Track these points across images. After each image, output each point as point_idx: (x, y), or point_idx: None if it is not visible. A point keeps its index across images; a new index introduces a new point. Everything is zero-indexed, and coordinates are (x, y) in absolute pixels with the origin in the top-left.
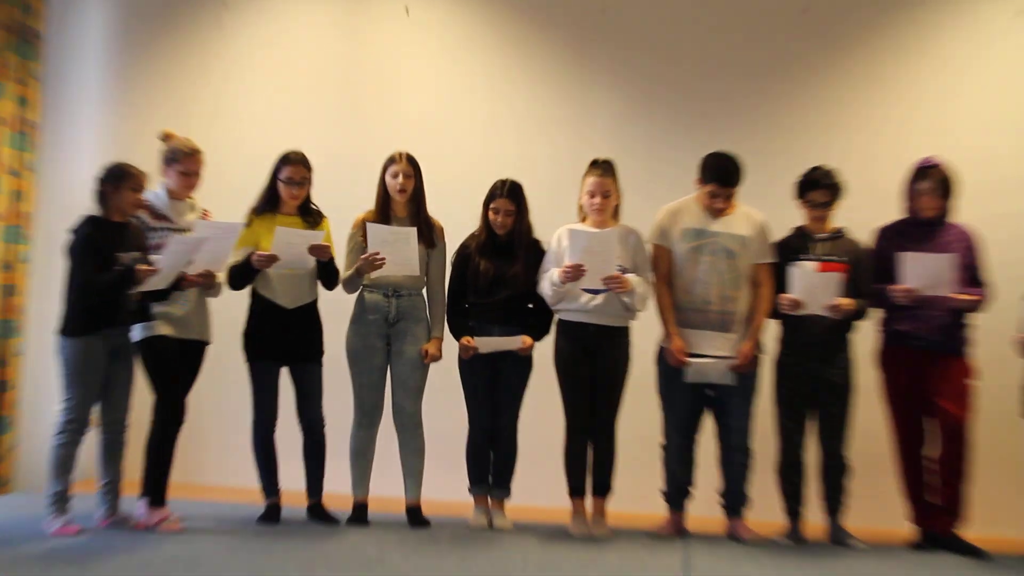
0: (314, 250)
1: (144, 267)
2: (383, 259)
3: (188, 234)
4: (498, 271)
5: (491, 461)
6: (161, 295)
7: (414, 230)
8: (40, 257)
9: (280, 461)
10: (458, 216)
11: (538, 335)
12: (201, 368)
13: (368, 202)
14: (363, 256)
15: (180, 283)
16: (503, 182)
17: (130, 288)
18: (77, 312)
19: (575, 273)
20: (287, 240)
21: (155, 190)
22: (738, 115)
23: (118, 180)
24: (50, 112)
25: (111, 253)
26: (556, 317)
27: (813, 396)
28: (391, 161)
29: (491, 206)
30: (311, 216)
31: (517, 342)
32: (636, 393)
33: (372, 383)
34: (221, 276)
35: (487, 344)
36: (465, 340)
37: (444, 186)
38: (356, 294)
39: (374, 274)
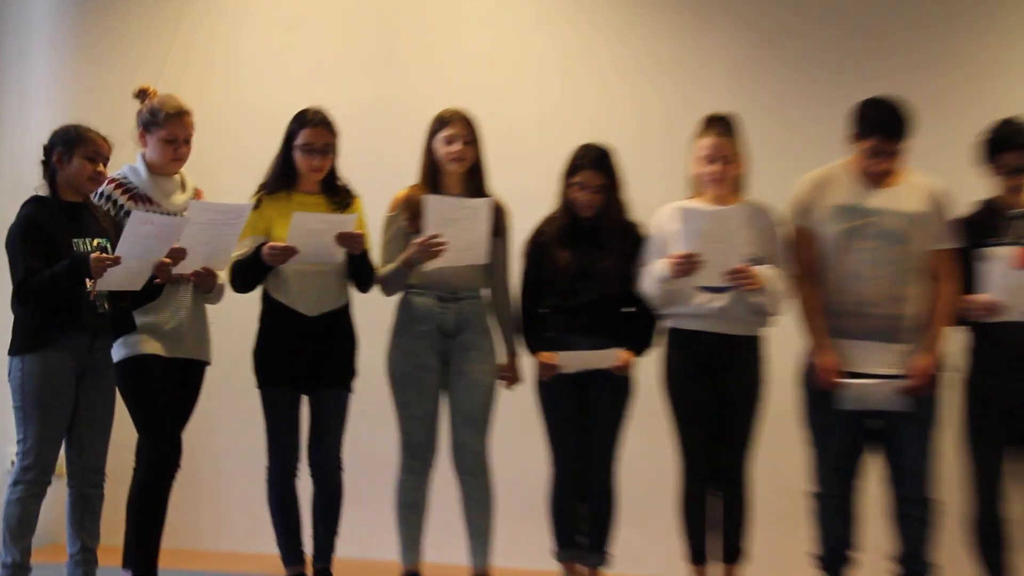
0: (343, 240)
1: (99, 256)
2: (444, 244)
3: (175, 218)
4: (584, 264)
5: (582, 516)
6: (137, 300)
7: (488, 201)
8: None
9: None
10: (525, 193)
11: (639, 348)
12: (199, 397)
13: (410, 175)
14: (418, 240)
15: (156, 282)
16: (587, 148)
17: (82, 284)
18: (26, 322)
19: (688, 265)
20: (307, 227)
21: (132, 164)
22: (898, 53)
23: (68, 147)
24: None
25: (62, 242)
26: (663, 324)
27: (1017, 430)
28: (441, 122)
29: (573, 180)
30: (338, 195)
31: (612, 358)
32: (773, 425)
33: (424, 414)
34: (223, 275)
35: (572, 361)
36: (544, 356)
37: (507, 154)
38: (399, 297)
39: (430, 266)
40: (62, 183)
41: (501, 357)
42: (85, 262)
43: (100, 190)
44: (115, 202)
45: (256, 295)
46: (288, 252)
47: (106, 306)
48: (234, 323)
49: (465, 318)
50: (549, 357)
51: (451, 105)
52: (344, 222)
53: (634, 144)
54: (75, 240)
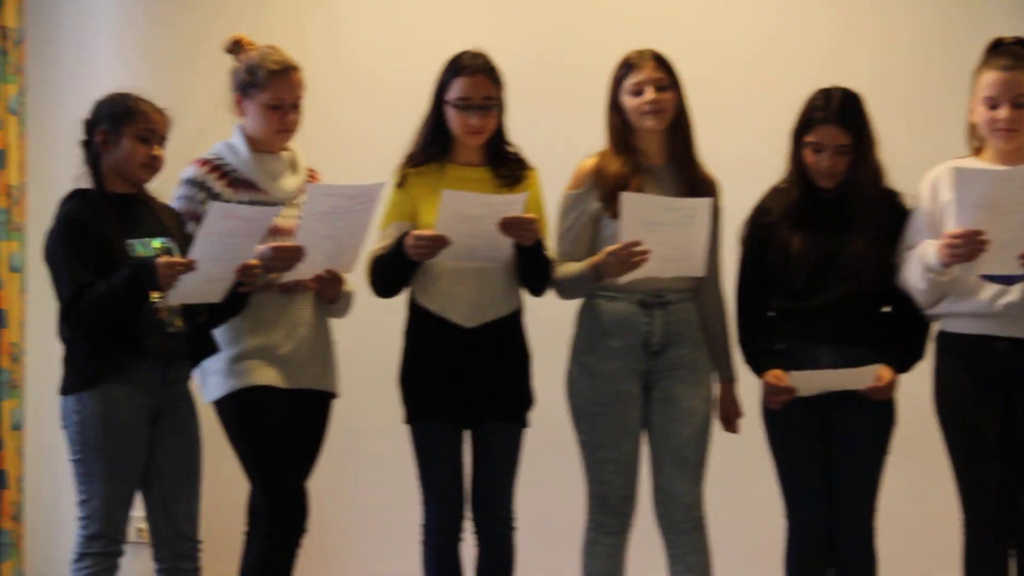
0: (509, 226)
1: (168, 261)
2: (646, 253)
3: (263, 208)
4: (826, 252)
5: None
6: (218, 315)
7: (707, 202)
8: (41, 260)
9: None
10: (737, 159)
11: (903, 362)
12: (325, 437)
13: (590, 142)
14: (612, 249)
15: (241, 291)
16: (827, 95)
17: (146, 298)
18: (80, 351)
19: (969, 247)
20: (460, 210)
21: (228, 140)
22: None
23: (115, 123)
24: (40, 12)
25: (113, 245)
26: (934, 328)
27: None
28: (627, 67)
29: (807, 139)
30: (506, 166)
31: (868, 377)
32: None
33: (622, 457)
34: (351, 280)
35: (812, 382)
36: (773, 376)
37: (710, 107)
38: (581, 301)
39: (627, 278)
40: (108, 171)
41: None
42: (149, 270)
43: (189, 175)
44: (209, 189)
45: (399, 302)
46: (437, 243)
47: (177, 324)
48: (367, 341)
49: (675, 328)
50: (779, 377)
51: (639, 46)
52: (510, 204)
53: (882, 85)
54: (129, 242)
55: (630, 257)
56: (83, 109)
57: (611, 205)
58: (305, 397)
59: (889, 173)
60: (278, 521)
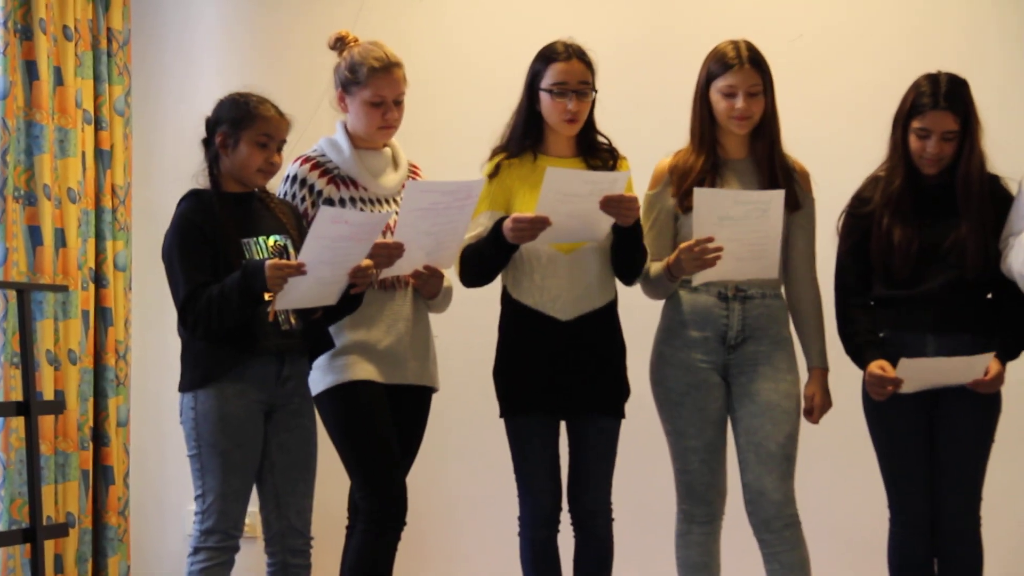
0: (610, 205)
1: (277, 264)
2: (720, 250)
3: (376, 215)
4: (928, 239)
5: (935, 573)
6: (333, 312)
7: (779, 193)
8: (147, 260)
9: None
10: (834, 147)
11: (1009, 351)
12: (424, 431)
13: (679, 137)
14: (685, 245)
15: (354, 292)
16: (934, 80)
17: (259, 301)
18: (195, 349)
19: None
20: (564, 189)
21: (331, 136)
22: None
23: (235, 126)
24: (145, 14)
25: (229, 245)
26: None
27: None
28: (722, 62)
29: (914, 125)
30: (598, 156)
31: (979, 366)
32: None
33: (706, 447)
34: (449, 276)
35: (922, 371)
36: (878, 367)
37: (802, 92)
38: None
39: (702, 278)
40: (225, 173)
41: (802, 375)
42: (260, 273)
43: (292, 172)
44: (311, 187)
45: (492, 293)
46: (537, 225)
47: (293, 322)
48: (462, 334)
49: (755, 322)
50: (885, 368)
51: (731, 36)
52: (613, 181)
53: (974, 69)
54: (244, 241)
55: (703, 254)
56: (187, 110)
57: (685, 201)
58: (405, 392)
59: (991, 158)
60: (377, 515)
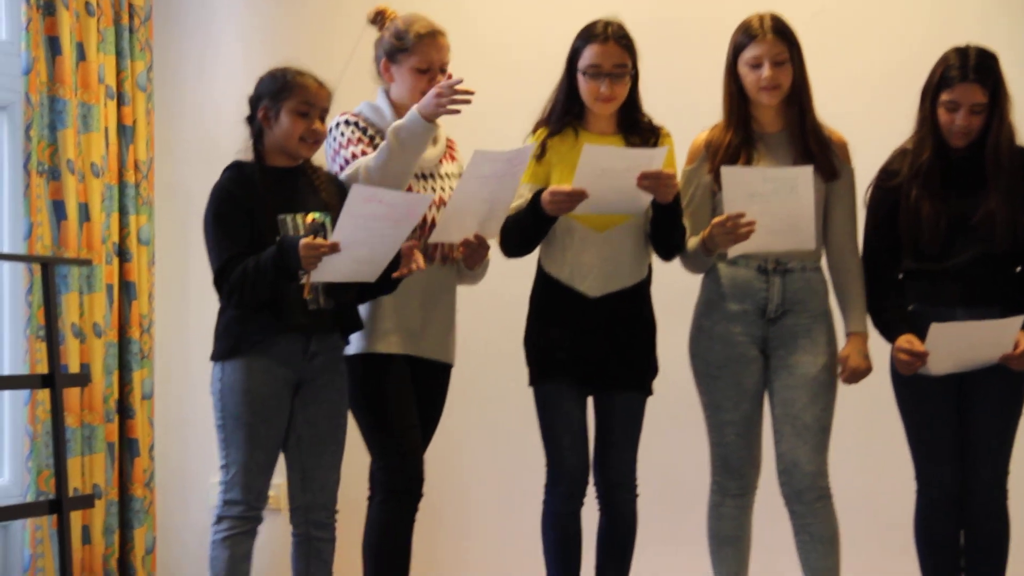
0: (648, 181)
1: (311, 243)
2: (752, 224)
3: (414, 195)
4: (957, 212)
5: (962, 546)
6: (364, 293)
7: (807, 170)
8: (169, 235)
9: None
10: (862, 118)
11: None
12: (443, 408)
13: (711, 113)
14: (718, 220)
15: (397, 275)
16: (964, 53)
17: (293, 277)
18: (223, 323)
19: None
20: (602, 164)
21: (371, 101)
22: None
23: (275, 98)
24: None
25: (266, 219)
26: None
27: None
28: (749, 36)
29: (943, 98)
30: (640, 134)
31: (1008, 332)
32: None
33: (742, 419)
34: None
35: (948, 342)
36: (906, 341)
37: (833, 66)
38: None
39: (736, 250)
40: (270, 146)
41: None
42: (294, 250)
43: (336, 121)
44: (364, 130)
45: (526, 266)
46: (576, 197)
47: (321, 302)
48: (490, 309)
49: (794, 296)
50: (912, 342)
51: (758, 11)
52: (650, 157)
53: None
54: (280, 217)
55: (735, 228)
56: (207, 85)
57: (719, 178)
58: (427, 365)
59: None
60: (394, 487)
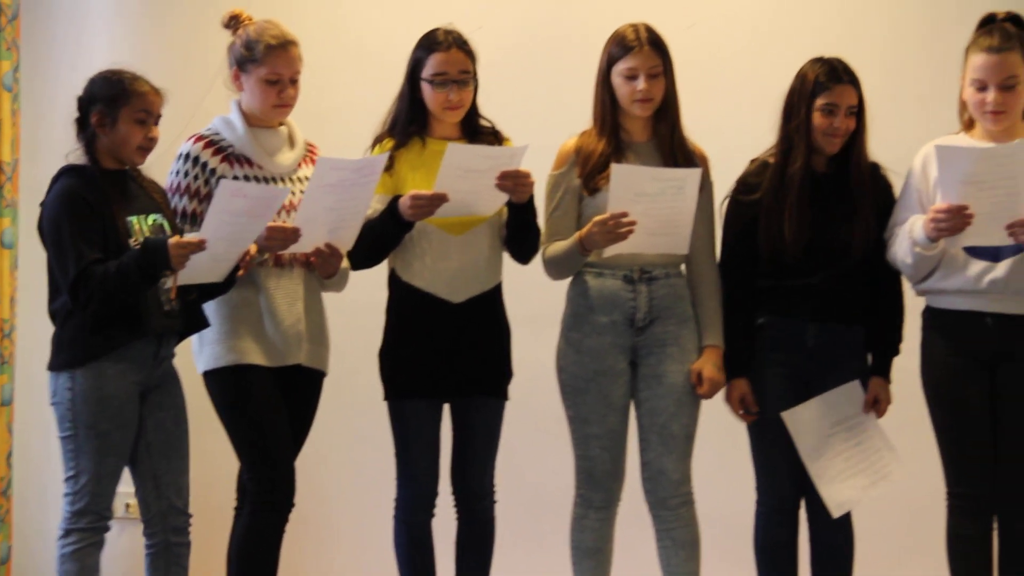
0: (506, 180)
1: (180, 242)
2: (633, 224)
3: (273, 187)
4: (821, 230)
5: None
6: (207, 292)
7: (697, 172)
8: (33, 238)
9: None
10: (726, 129)
11: (888, 353)
12: (315, 415)
13: (583, 116)
14: (600, 218)
15: (240, 274)
16: (828, 61)
17: (157, 278)
18: (70, 330)
19: (954, 220)
20: (465, 163)
21: (225, 116)
22: None
23: (112, 105)
24: None
25: (115, 222)
26: (931, 303)
27: None
28: (624, 48)
29: (819, 103)
30: (483, 138)
31: (855, 395)
32: None
33: (608, 432)
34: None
35: (804, 418)
36: (738, 390)
37: (706, 81)
38: (572, 277)
39: (612, 250)
40: (103, 151)
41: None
42: (161, 250)
43: (185, 150)
44: (204, 165)
45: (379, 276)
46: (437, 200)
47: (173, 302)
48: (349, 317)
49: (661, 303)
50: (746, 396)
51: (632, 20)
52: (512, 156)
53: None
54: (128, 219)
55: (616, 228)
56: (77, 86)
57: (590, 182)
58: (297, 373)
59: (880, 147)
60: (264, 497)
